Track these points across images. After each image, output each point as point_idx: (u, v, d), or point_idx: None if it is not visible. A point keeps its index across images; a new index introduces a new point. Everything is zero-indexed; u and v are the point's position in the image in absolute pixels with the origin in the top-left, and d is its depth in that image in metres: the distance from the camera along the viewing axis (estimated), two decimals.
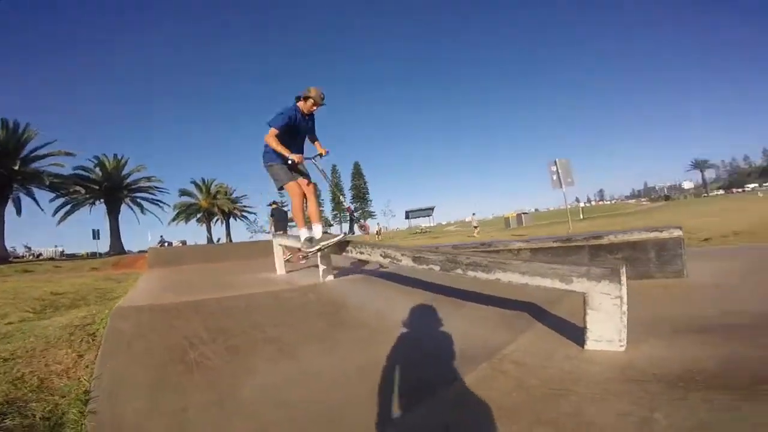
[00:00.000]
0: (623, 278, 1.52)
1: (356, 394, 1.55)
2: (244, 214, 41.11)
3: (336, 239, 3.32)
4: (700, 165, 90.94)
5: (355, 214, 3.74)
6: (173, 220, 36.31)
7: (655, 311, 2.20)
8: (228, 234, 40.03)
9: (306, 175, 3.55)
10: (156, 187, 30.79)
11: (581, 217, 33.61)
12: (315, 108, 3.34)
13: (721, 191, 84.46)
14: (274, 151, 3.23)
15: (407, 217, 65.18)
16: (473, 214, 27.54)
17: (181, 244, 28.03)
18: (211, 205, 37.91)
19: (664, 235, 2.92)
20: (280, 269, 4.71)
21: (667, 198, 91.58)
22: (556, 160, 12.93)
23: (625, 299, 1.53)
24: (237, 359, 1.93)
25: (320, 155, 3.57)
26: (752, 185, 75.01)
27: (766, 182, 71.50)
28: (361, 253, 3.10)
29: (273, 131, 3.15)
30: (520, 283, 1.87)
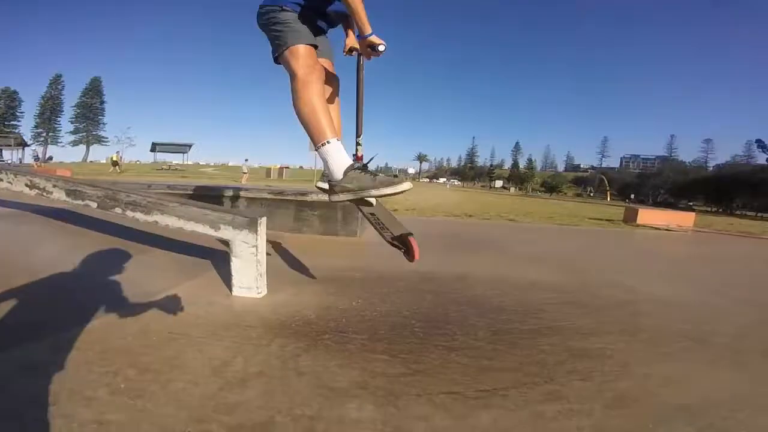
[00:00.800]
0: (261, 228, 1.67)
1: None
2: None
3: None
4: (420, 158, 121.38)
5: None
6: None
7: (316, 263, 2.62)
8: None
9: (331, 59, 1.98)
10: None
11: None
12: None
13: (427, 179, 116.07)
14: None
15: (153, 150, 54.93)
16: (246, 160, 26.63)
17: None
18: None
19: None
20: None
21: (395, 176, 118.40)
22: None
23: (261, 249, 1.69)
24: None
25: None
26: (443, 179, 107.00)
27: (452, 179, 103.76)
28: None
29: None
30: (176, 227, 1.76)
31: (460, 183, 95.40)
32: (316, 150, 1.66)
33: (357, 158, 1.88)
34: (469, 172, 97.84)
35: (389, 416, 1.02)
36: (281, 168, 37.02)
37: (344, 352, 1.36)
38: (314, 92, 1.62)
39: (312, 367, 1.24)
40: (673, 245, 6.05)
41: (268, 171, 35.20)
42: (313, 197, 3.61)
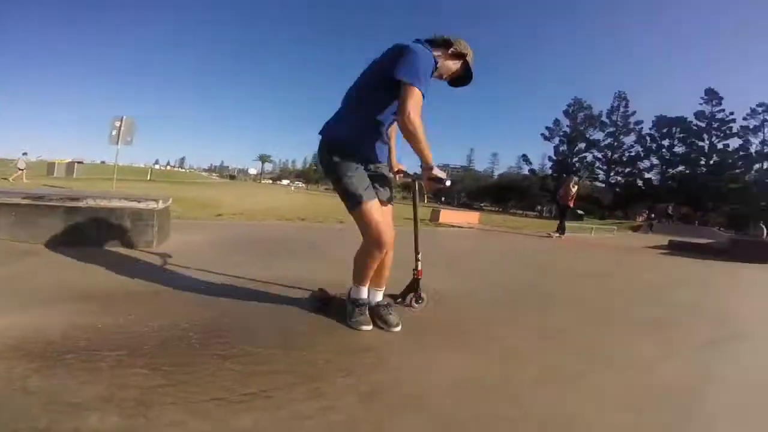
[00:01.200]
0: None
1: None
2: None
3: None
4: (263, 158, 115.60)
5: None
6: None
7: (86, 279, 2.22)
8: None
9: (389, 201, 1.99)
10: None
11: (149, 178, 32.40)
12: (455, 75, 1.89)
13: (270, 181, 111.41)
14: (356, 137, 1.77)
15: None
16: (24, 153, 19.62)
17: None
18: None
19: (141, 205, 3.14)
20: None
21: (232, 177, 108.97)
22: (124, 117, 12.01)
23: None
24: None
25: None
26: (286, 181, 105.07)
27: (297, 182, 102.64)
28: None
29: (418, 95, 1.57)
30: None
31: (304, 185, 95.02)
32: (354, 283, 1.91)
33: (417, 272, 2.17)
34: (314, 175, 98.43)
35: (137, 426, 0.99)
36: (71, 163, 28.64)
37: (92, 370, 1.23)
38: (378, 257, 1.77)
39: (45, 386, 1.11)
40: (460, 241, 7.63)
41: (51, 166, 26.79)
42: (90, 203, 3.03)
